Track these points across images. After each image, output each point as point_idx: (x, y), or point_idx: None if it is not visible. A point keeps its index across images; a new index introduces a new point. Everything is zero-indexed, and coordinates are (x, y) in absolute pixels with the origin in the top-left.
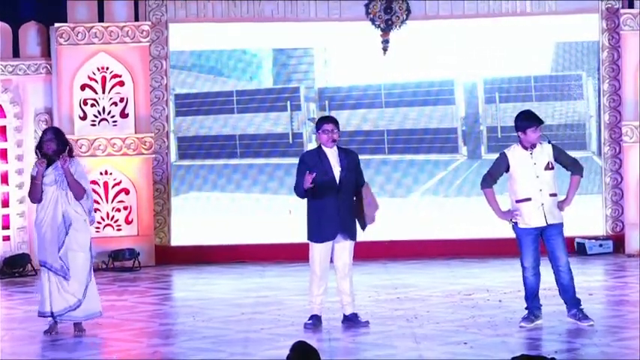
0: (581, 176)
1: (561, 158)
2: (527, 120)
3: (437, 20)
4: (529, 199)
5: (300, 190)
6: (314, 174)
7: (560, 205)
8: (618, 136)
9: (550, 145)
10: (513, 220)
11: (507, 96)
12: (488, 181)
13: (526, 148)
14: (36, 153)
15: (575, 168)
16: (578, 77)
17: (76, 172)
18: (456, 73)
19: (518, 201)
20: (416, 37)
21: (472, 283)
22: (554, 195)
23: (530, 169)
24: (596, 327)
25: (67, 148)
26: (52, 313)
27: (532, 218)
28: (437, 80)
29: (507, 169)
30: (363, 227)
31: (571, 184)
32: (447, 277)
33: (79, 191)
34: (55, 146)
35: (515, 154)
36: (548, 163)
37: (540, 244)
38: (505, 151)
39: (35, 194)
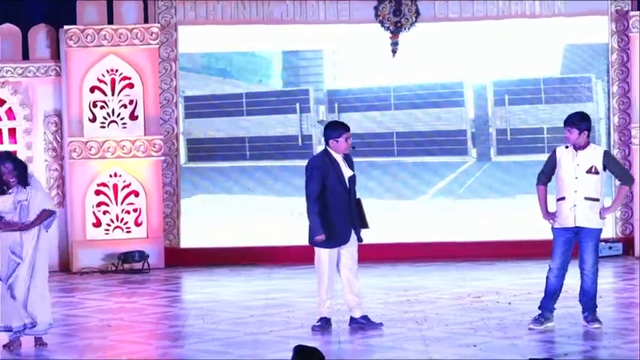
0: (630, 187)
1: (610, 166)
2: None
3: (446, 22)
4: (563, 199)
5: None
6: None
7: (601, 212)
8: (628, 138)
9: (603, 151)
10: (551, 222)
11: (517, 98)
12: (541, 178)
13: (575, 148)
14: None
15: (624, 178)
16: (588, 79)
17: (38, 196)
18: (465, 75)
19: (557, 200)
20: (425, 40)
21: (481, 286)
22: (592, 199)
23: (571, 169)
24: (605, 329)
25: (26, 172)
26: (10, 327)
27: (564, 218)
28: (446, 82)
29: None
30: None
31: (618, 194)
32: (457, 280)
33: (45, 219)
34: (15, 178)
35: (563, 152)
36: (592, 167)
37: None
38: (556, 147)
39: None
